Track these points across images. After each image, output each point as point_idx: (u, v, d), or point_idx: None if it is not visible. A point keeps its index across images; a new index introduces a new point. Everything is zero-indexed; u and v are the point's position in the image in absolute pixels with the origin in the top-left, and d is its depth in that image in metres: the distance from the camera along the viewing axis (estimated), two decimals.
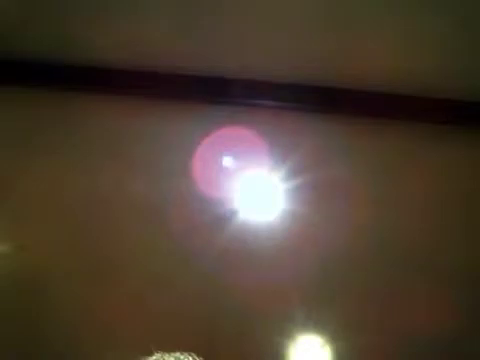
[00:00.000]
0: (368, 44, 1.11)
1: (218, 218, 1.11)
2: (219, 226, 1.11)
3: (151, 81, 1.15)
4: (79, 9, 1.10)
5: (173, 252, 1.11)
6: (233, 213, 1.12)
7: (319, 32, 1.12)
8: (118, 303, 1.10)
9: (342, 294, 1.11)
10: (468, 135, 1.15)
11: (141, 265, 1.12)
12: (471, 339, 1.10)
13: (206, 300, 1.10)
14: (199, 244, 1.10)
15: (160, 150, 1.16)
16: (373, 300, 1.11)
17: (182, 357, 0.44)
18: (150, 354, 0.50)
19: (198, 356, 0.50)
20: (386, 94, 1.14)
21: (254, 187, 1.15)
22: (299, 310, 1.08)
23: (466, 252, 1.13)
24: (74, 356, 1.11)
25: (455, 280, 1.12)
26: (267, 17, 1.12)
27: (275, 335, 1.09)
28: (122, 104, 1.17)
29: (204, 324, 1.10)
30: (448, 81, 1.14)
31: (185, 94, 1.16)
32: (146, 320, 1.10)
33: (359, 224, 1.12)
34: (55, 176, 1.16)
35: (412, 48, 1.12)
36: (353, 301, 1.11)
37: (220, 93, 1.15)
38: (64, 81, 1.16)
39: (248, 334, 1.09)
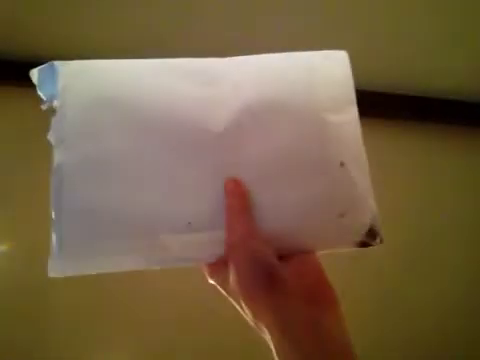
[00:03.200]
0: (369, 44, 1.11)
1: None
2: None
3: None
4: (79, 9, 1.10)
5: None
6: None
7: (319, 32, 1.12)
8: (118, 303, 1.10)
9: (342, 294, 1.11)
10: (468, 135, 1.16)
11: None
12: (472, 339, 1.10)
13: (207, 300, 1.10)
14: None
15: None
16: (373, 300, 1.12)
17: None
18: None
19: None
20: (386, 94, 1.14)
21: None
22: None
23: (466, 252, 1.13)
24: (75, 356, 1.11)
25: (456, 280, 1.12)
26: (267, 17, 1.12)
27: None
28: None
29: (205, 326, 1.10)
30: (449, 81, 1.14)
31: None
32: (147, 321, 1.10)
33: None
34: None
35: (413, 48, 1.12)
36: (353, 301, 1.11)
37: None
38: None
39: (249, 334, 1.09)
